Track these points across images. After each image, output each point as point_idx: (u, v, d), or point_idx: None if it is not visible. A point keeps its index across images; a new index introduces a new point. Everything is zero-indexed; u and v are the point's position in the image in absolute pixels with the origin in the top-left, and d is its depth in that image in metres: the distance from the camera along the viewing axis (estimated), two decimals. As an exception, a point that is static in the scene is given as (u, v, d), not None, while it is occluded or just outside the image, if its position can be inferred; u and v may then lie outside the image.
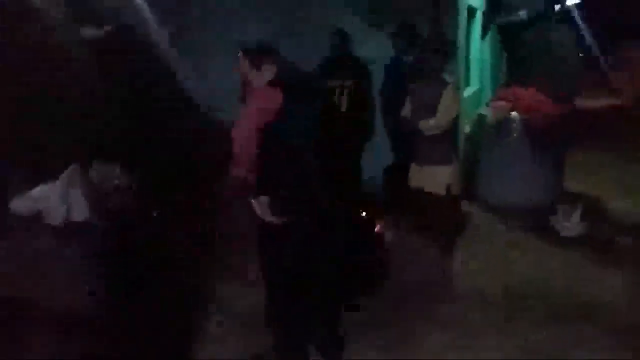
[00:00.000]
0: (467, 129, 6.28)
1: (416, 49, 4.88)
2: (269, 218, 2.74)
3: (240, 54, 2.86)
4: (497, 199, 5.30)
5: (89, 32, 4.15)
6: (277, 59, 2.86)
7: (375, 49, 5.30)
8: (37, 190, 3.32)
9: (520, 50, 8.04)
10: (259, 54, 2.82)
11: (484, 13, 7.74)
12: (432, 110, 4.00)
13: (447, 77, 4.45)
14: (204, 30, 5.61)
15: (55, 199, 3.26)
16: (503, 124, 5.52)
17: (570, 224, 4.83)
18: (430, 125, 3.98)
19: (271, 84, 2.78)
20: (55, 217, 3.25)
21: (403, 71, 4.81)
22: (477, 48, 7.69)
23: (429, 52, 4.39)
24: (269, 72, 2.81)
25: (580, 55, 11.82)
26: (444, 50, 5.03)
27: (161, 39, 5.03)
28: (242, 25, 5.37)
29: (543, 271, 4.13)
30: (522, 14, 8.50)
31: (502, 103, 5.62)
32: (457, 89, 5.79)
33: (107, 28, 4.25)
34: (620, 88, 10.53)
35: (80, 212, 3.32)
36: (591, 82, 10.45)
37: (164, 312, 3.12)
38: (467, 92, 6.74)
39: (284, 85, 2.77)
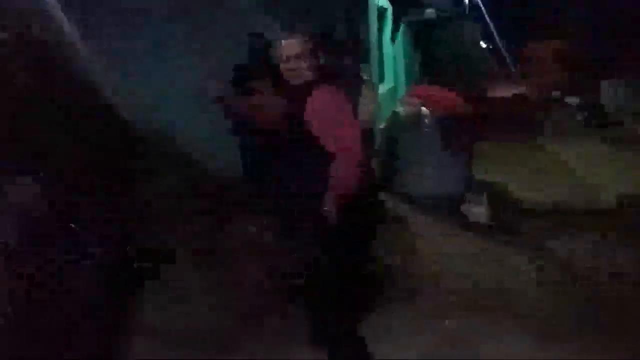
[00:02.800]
0: (382, 124, 6.56)
1: (331, 50, 5.06)
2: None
3: (299, 36, 2.59)
4: (413, 190, 5.58)
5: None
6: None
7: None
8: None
9: (431, 47, 8.45)
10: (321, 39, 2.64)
11: (393, 12, 8.08)
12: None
13: (364, 76, 4.65)
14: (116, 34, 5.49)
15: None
16: (415, 119, 5.83)
17: (477, 210, 5.20)
18: None
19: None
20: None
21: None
22: (390, 46, 8.01)
23: (343, 52, 4.58)
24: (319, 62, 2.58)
25: (488, 48, 12.53)
26: (358, 49, 5.24)
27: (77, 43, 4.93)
28: (155, 25, 5.33)
29: (454, 259, 4.38)
30: (430, 12, 8.94)
31: (413, 100, 5.92)
32: (374, 86, 6.07)
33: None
34: (524, 81, 11.23)
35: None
36: (498, 75, 11.11)
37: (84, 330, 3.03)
38: (382, 89, 7.03)
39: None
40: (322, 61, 2.65)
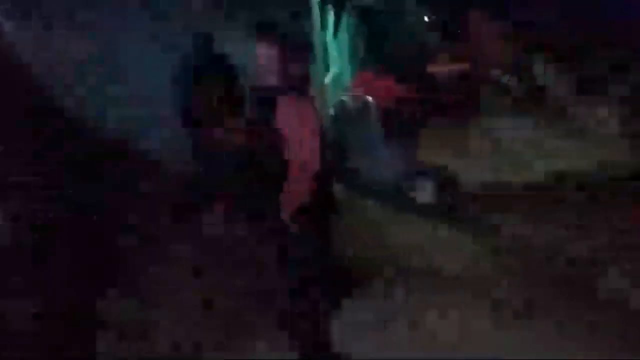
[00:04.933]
0: (331, 112, 6.73)
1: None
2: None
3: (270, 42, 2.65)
4: (364, 177, 5.83)
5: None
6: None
7: (234, 47, 5.46)
8: None
9: (374, 25, 8.56)
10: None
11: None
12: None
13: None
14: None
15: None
16: (361, 108, 6.08)
17: (424, 193, 5.53)
18: None
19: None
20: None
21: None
22: (331, 32, 8.06)
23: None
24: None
25: (429, 23, 12.69)
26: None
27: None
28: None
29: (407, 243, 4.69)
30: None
31: (358, 90, 6.17)
32: (322, 85, 6.23)
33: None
34: (466, 56, 11.52)
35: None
36: (440, 51, 11.33)
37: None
38: (328, 77, 7.15)
39: None
40: (289, 66, 2.72)
